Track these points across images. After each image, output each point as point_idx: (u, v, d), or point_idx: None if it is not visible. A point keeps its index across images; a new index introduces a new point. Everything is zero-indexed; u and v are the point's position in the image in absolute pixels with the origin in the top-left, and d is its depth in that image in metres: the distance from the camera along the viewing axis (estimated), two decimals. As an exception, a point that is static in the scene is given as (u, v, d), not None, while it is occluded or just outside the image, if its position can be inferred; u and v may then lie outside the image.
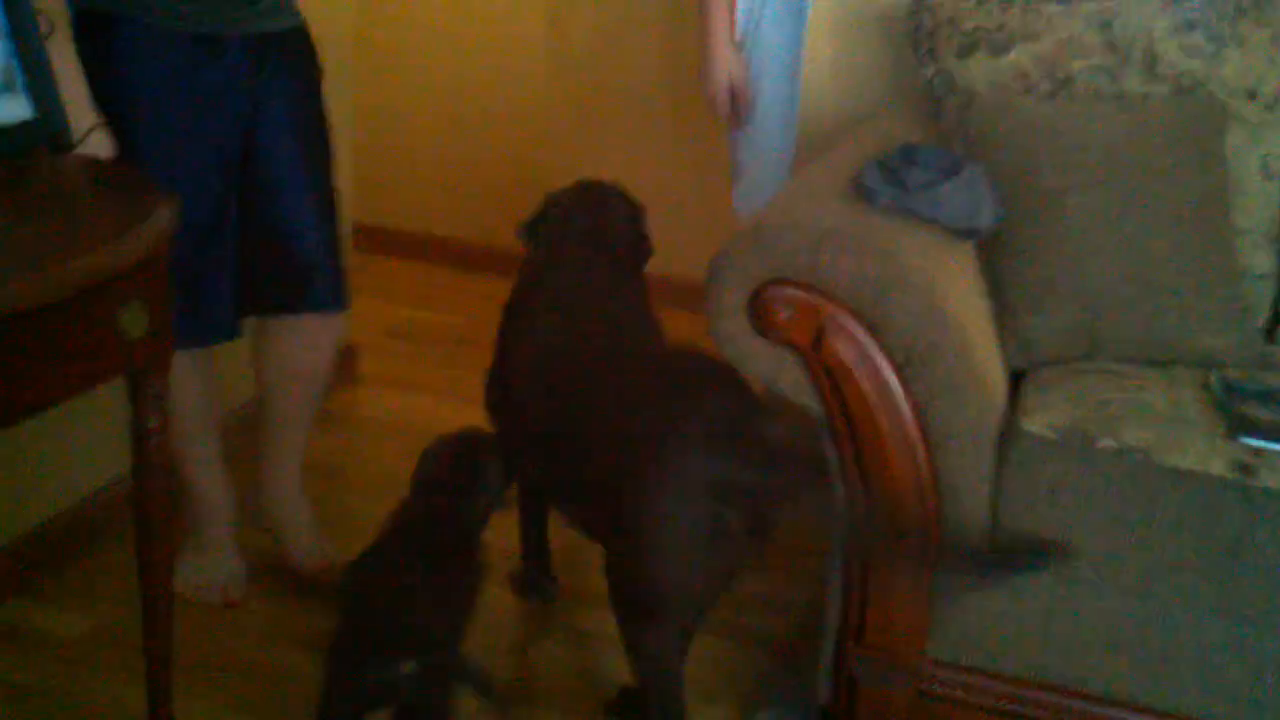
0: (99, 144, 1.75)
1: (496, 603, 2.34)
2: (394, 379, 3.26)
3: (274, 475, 2.35)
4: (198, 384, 2.17)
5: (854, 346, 1.67)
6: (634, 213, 2.19)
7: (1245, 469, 1.63)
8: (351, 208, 3.18)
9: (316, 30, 2.86)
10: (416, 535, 1.82)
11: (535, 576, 2.34)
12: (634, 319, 2.03)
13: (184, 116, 1.96)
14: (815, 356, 1.69)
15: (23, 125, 1.50)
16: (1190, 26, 2.10)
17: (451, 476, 1.85)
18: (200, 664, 2.08)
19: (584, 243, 2.10)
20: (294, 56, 2.12)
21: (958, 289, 1.76)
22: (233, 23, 1.98)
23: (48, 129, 1.53)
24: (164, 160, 1.91)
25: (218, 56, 1.97)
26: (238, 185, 2.06)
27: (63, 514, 2.31)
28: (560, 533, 2.39)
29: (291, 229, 2.11)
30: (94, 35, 1.84)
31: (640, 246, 2.18)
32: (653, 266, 2.21)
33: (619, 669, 2.01)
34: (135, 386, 1.53)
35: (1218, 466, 1.64)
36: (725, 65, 2.57)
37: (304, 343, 2.21)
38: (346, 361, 3.20)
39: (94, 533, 2.34)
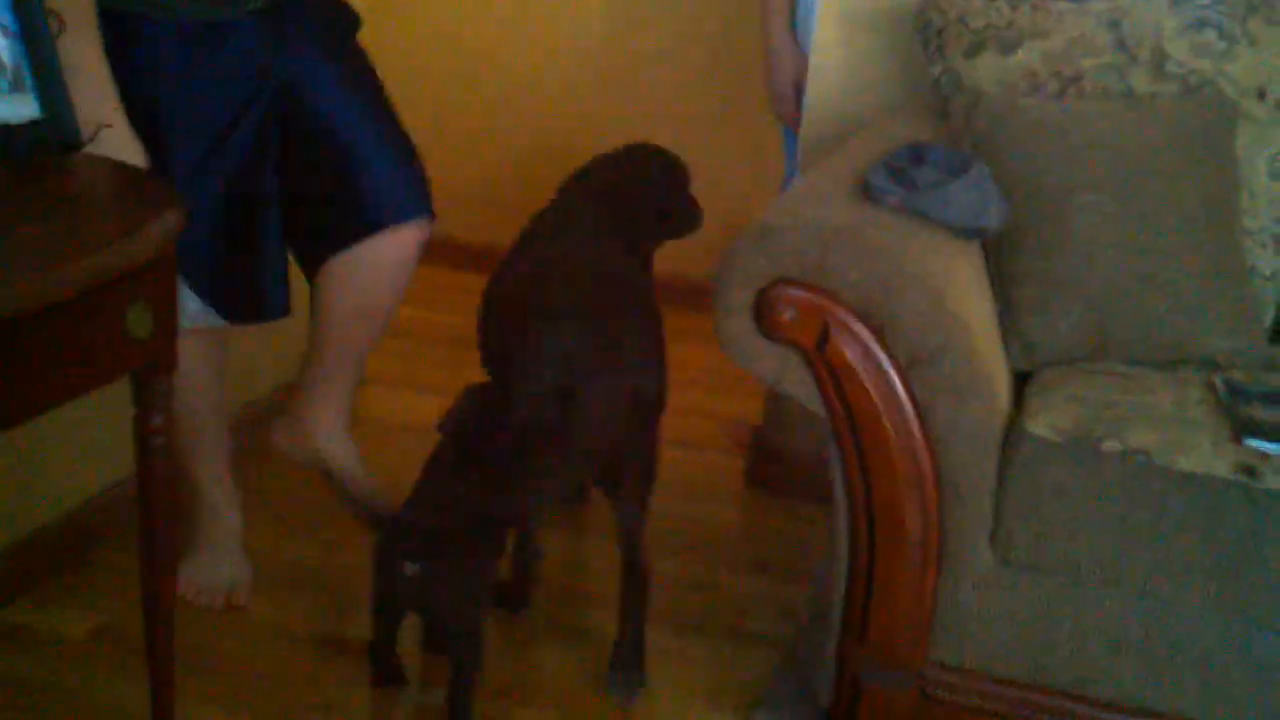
0: (109, 142, 1.73)
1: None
2: (398, 379, 3.26)
3: (324, 408, 2.23)
4: (208, 379, 2.17)
5: (858, 347, 1.67)
6: (671, 176, 2.35)
7: (1250, 471, 1.63)
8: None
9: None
10: (448, 467, 1.99)
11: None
12: (601, 260, 2.16)
13: (202, 101, 1.94)
14: (820, 357, 1.69)
15: (31, 124, 1.50)
16: (1200, 25, 2.09)
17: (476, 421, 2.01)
18: (203, 665, 2.08)
19: (588, 193, 2.26)
20: (319, 20, 2.08)
21: (963, 289, 1.75)
22: (234, 5, 1.95)
23: (56, 128, 1.53)
24: (188, 146, 1.93)
25: (224, 40, 1.95)
26: (275, 158, 2.02)
27: (66, 515, 2.32)
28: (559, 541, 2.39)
29: (357, 160, 2.05)
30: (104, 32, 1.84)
31: (673, 210, 2.34)
32: (687, 268, 2.24)
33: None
34: (139, 387, 1.53)
35: (1223, 469, 1.63)
36: (790, 66, 2.59)
37: (384, 251, 2.10)
38: (352, 360, 3.20)
39: (97, 533, 2.35)
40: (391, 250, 2.11)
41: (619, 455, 2.08)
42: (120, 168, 1.65)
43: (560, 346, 1.97)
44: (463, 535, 1.89)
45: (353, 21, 2.17)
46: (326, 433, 2.24)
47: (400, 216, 2.09)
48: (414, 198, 2.12)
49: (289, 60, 2.01)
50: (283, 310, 2.13)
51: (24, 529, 2.24)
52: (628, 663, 2.11)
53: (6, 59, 1.48)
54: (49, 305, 1.25)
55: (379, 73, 2.19)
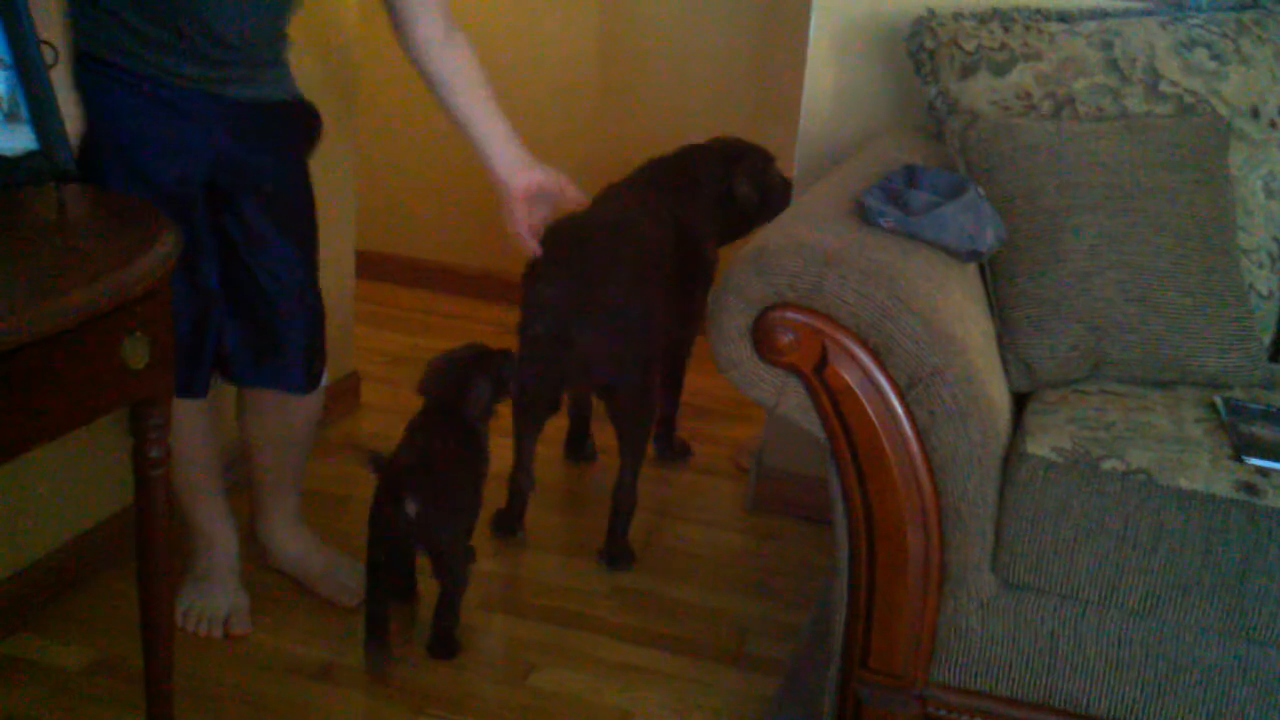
0: None
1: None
2: (396, 407, 3.25)
3: (273, 519, 2.39)
4: (204, 414, 2.18)
5: (857, 370, 1.67)
6: (756, 163, 2.85)
7: (1251, 489, 1.62)
8: (354, 235, 3.18)
9: (316, 53, 2.88)
10: (431, 422, 2.28)
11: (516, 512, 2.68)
12: (645, 218, 2.61)
13: (153, 161, 1.93)
14: (818, 380, 1.68)
15: (27, 156, 1.50)
16: (1192, 44, 2.10)
17: (449, 383, 2.31)
18: (202, 694, 2.07)
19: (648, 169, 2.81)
20: (279, 131, 2.11)
21: (960, 311, 1.75)
22: (206, 82, 1.95)
23: (51, 160, 1.53)
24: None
25: (188, 112, 1.95)
26: (215, 248, 2.05)
27: (65, 547, 2.31)
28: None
29: (266, 308, 2.12)
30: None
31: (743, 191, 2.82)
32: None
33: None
34: (137, 418, 1.53)
35: (1223, 487, 1.63)
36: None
37: (280, 415, 2.27)
38: (349, 389, 3.21)
39: (96, 565, 2.34)
40: (291, 410, 2.28)
41: (614, 396, 2.47)
42: (115, 198, 1.66)
43: (549, 298, 2.36)
44: (452, 478, 2.21)
45: (315, 132, 2.21)
46: (279, 544, 2.40)
47: (301, 389, 2.23)
48: (315, 374, 2.26)
49: (241, 159, 2.03)
50: (199, 392, 2.13)
51: (22, 561, 2.23)
52: (617, 557, 2.55)
53: (2, 90, 1.48)
54: (45, 337, 1.25)
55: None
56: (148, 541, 1.60)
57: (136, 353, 1.41)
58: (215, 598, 2.25)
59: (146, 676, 1.70)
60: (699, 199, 2.80)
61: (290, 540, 2.40)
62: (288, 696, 2.11)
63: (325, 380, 2.31)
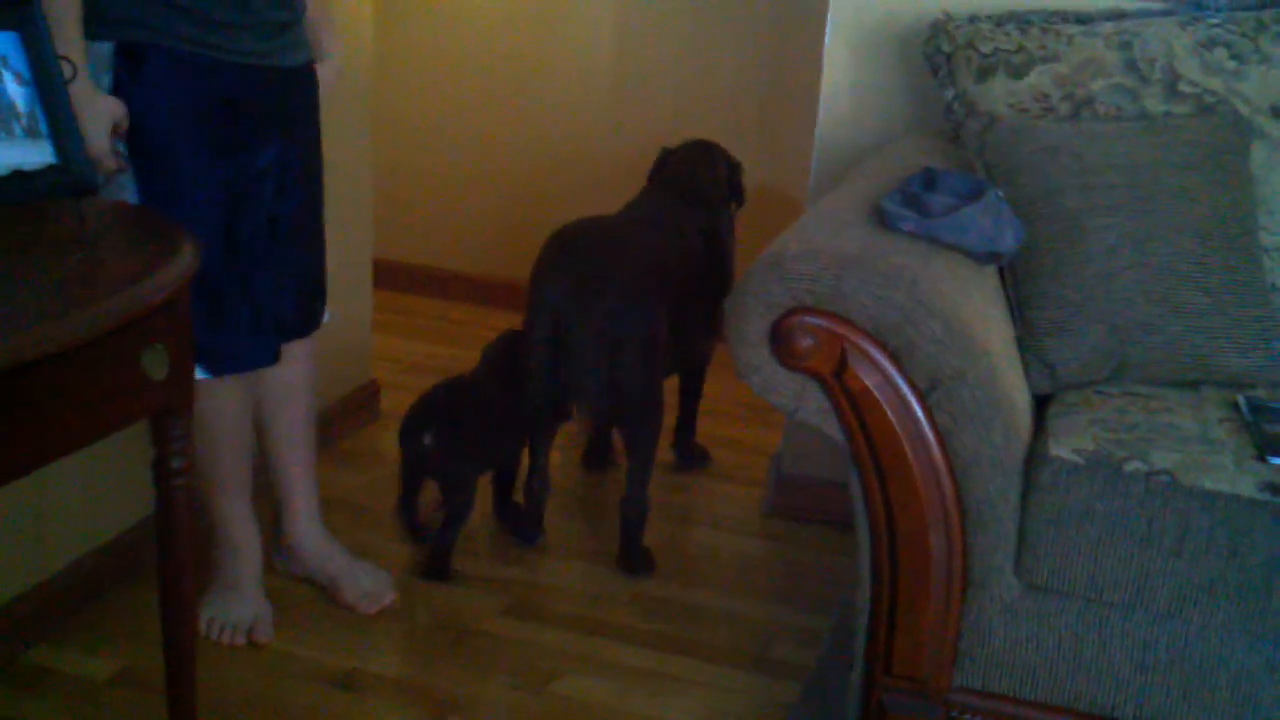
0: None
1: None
2: (416, 413, 3.26)
3: (298, 517, 2.39)
4: (236, 417, 2.21)
5: (877, 374, 1.66)
6: (732, 166, 2.92)
7: (1275, 489, 1.61)
8: (372, 244, 3.19)
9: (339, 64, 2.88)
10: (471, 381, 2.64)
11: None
12: (653, 228, 2.66)
13: (222, 141, 1.99)
14: (838, 384, 1.68)
15: (46, 170, 1.51)
16: (1211, 44, 2.09)
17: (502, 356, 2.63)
18: (225, 703, 2.08)
19: (668, 178, 2.87)
20: (308, 94, 2.18)
21: (981, 314, 1.74)
22: (264, 54, 2.01)
23: (70, 173, 1.53)
24: (205, 184, 1.98)
25: (253, 88, 2.02)
26: (271, 212, 2.12)
27: (88, 557, 2.31)
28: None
29: (305, 264, 2.23)
30: (130, 65, 1.88)
31: (732, 192, 2.91)
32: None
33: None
34: (158, 428, 1.53)
35: (1247, 488, 1.62)
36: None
37: (291, 366, 2.27)
38: (368, 398, 3.21)
39: (119, 575, 2.35)
40: (289, 367, 2.27)
41: (619, 396, 2.49)
42: (135, 211, 1.66)
43: (550, 301, 2.45)
44: (467, 427, 2.52)
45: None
46: (303, 543, 2.40)
47: (319, 324, 2.32)
48: (323, 308, 2.33)
49: (290, 123, 2.11)
50: (275, 357, 2.20)
51: (45, 571, 2.24)
52: (634, 565, 2.57)
53: (21, 106, 1.49)
54: (67, 349, 1.25)
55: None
56: (169, 552, 1.60)
57: (157, 364, 1.42)
58: (240, 607, 2.26)
59: (170, 687, 1.70)
60: (719, 205, 2.84)
61: (313, 540, 2.40)
62: (311, 704, 2.11)
63: (327, 317, 2.35)
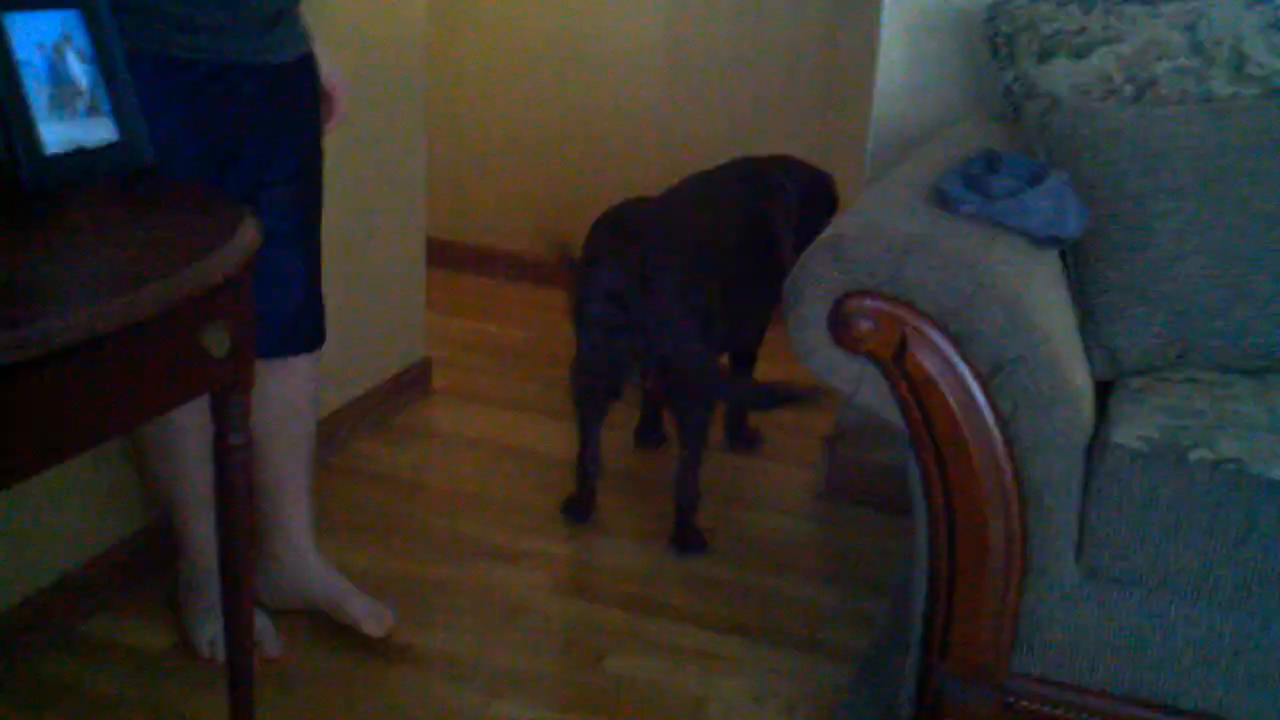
0: None
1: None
2: (467, 392, 3.28)
3: (296, 540, 2.25)
4: (205, 428, 2.08)
5: (938, 358, 1.64)
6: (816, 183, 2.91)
7: (1345, 480, 1.58)
8: (424, 223, 3.20)
9: (387, 46, 2.89)
10: None
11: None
12: (701, 208, 2.67)
13: (201, 148, 1.89)
14: (898, 368, 1.66)
15: (107, 147, 1.51)
16: (1279, 25, 2.05)
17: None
18: (278, 675, 2.10)
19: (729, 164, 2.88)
20: (302, 90, 2.06)
21: (1043, 298, 1.72)
22: (250, 52, 1.91)
23: (131, 151, 1.54)
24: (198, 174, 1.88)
25: (236, 88, 1.92)
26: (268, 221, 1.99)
27: (147, 529, 2.34)
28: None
29: (280, 278, 2.04)
30: None
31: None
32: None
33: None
34: (217, 405, 1.54)
35: (1317, 478, 1.59)
36: None
37: (292, 381, 2.17)
38: (420, 375, 3.23)
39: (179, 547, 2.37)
40: (291, 383, 2.16)
41: (671, 384, 2.52)
42: (195, 189, 1.67)
43: (606, 283, 2.42)
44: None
45: (319, 96, 2.13)
46: (308, 573, 2.26)
47: (304, 348, 2.16)
48: (316, 331, 2.18)
49: (273, 124, 1.99)
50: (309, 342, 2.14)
51: (104, 543, 2.27)
52: (686, 544, 2.58)
53: (83, 83, 1.49)
54: (127, 327, 1.26)
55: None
56: (228, 524, 1.62)
57: (218, 341, 1.42)
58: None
59: (228, 659, 1.72)
60: (780, 200, 2.81)
61: (310, 564, 2.26)
62: (365, 677, 2.12)
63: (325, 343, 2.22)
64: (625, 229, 2.51)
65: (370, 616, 2.21)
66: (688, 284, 2.46)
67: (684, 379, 2.52)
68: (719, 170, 2.85)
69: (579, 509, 2.67)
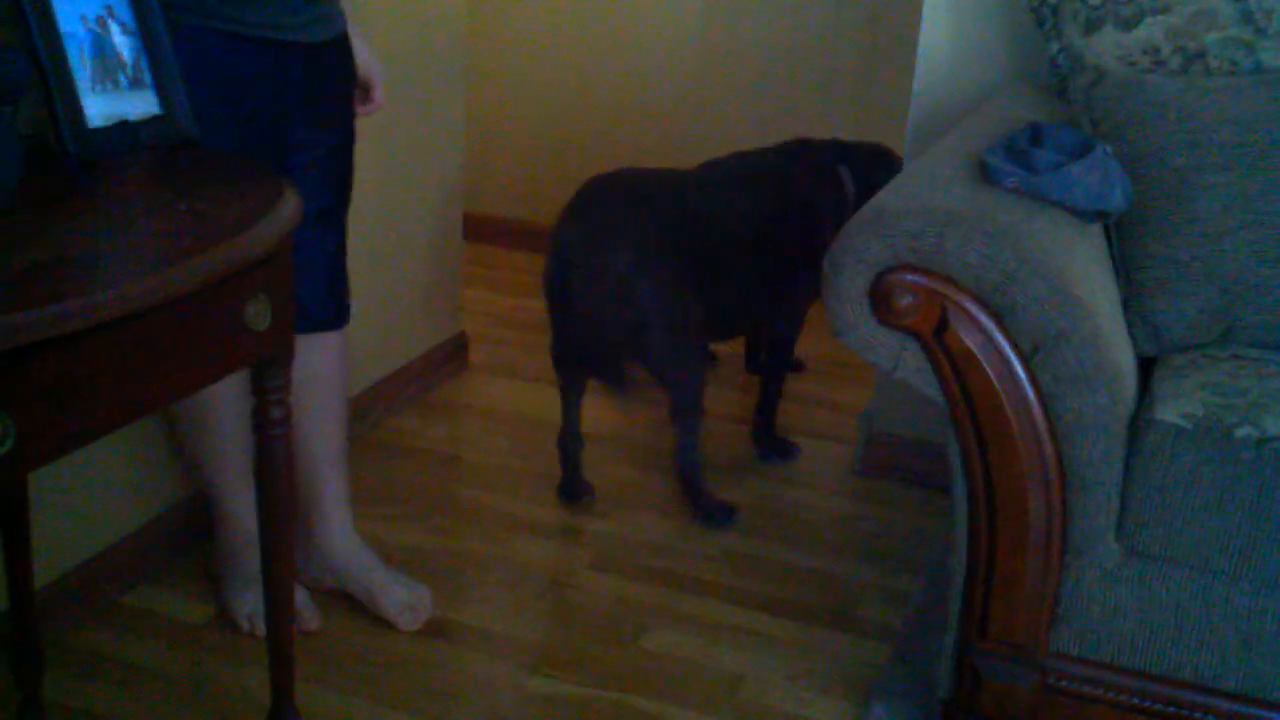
0: None
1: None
2: (503, 367, 3.28)
3: (330, 524, 2.23)
4: (240, 400, 2.03)
5: (979, 334, 1.63)
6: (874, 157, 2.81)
7: (1394, 459, 1.56)
8: (462, 198, 3.20)
9: (429, 20, 2.89)
10: None
11: None
12: (715, 188, 2.58)
13: (237, 122, 1.88)
14: (938, 344, 1.65)
15: (150, 120, 1.52)
16: (1332, -5, 2.01)
17: None
18: (319, 650, 2.11)
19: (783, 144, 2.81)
20: (338, 71, 2.05)
21: (1086, 273, 1.70)
22: (290, 29, 1.90)
23: (173, 124, 1.55)
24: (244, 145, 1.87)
25: (281, 64, 1.91)
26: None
27: (186, 501, 2.36)
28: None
29: (307, 257, 1.98)
30: None
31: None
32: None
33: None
34: (258, 379, 1.54)
35: (1364, 457, 1.57)
36: None
37: (321, 357, 2.13)
38: (457, 350, 3.23)
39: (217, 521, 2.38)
40: (320, 359, 2.12)
41: (643, 361, 2.44)
42: (237, 162, 1.67)
43: (560, 247, 2.39)
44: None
45: (354, 76, 2.12)
46: (337, 554, 2.23)
47: (327, 327, 2.13)
48: (340, 311, 2.16)
49: (313, 101, 1.98)
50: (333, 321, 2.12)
51: (146, 515, 2.29)
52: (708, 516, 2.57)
53: (127, 56, 1.50)
54: (174, 299, 1.26)
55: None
56: (269, 499, 1.62)
57: (260, 314, 1.42)
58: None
59: (268, 630, 1.72)
60: (828, 183, 2.73)
61: (346, 550, 2.24)
62: (404, 654, 2.13)
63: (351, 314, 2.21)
64: (594, 198, 2.44)
65: (404, 611, 2.19)
66: (650, 258, 2.37)
67: (654, 355, 2.44)
68: (762, 151, 2.78)
69: (569, 489, 2.63)
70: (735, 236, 2.55)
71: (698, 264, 2.45)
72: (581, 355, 2.50)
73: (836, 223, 2.63)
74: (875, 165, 2.77)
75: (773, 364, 2.87)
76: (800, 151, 2.78)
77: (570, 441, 2.62)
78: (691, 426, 2.54)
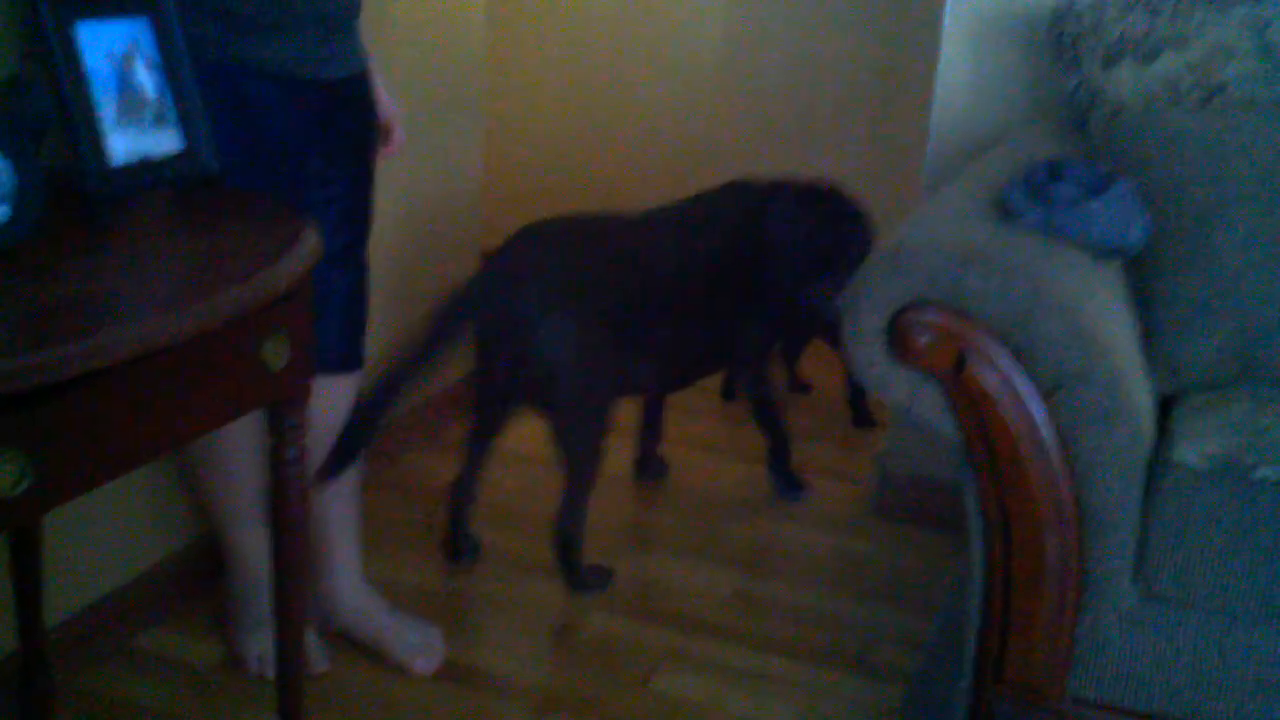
0: None
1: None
2: (516, 405, 3.27)
3: (338, 570, 2.21)
4: (253, 438, 1.95)
5: (996, 373, 1.62)
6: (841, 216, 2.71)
7: None
8: (479, 231, 3.21)
9: (450, 25, 2.89)
10: None
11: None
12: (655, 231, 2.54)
13: (267, 157, 1.88)
14: (956, 382, 1.64)
15: (173, 157, 1.52)
16: (1350, 31, 2.01)
17: None
18: (329, 693, 2.09)
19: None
20: (358, 108, 2.05)
21: (1104, 311, 1.69)
22: (313, 65, 1.90)
23: (196, 161, 1.55)
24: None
25: (299, 101, 1.90)
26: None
27: (197, 543, 2.35)
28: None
29: (321, 296, 1.89)
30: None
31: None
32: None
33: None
34: (274, 418, 1.53)
35: (1385, 499, 1.55)
36: None
37: (332, 400, 2.09)
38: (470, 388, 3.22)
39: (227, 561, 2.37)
40: (331, 402, 2.08)
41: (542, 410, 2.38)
42: (257, 199, 1.67)
43: (472, 286, 2.36)
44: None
45: (375, 117, 2.12)
46: (344, 599, 2.21)
47: (338, 368, 2.09)
48: (354, 354, 2.13)
49: (328, 140, 1.98)
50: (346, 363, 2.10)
51: (157, 556, 2.28)
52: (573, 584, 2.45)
53: (150, 92, 1.50)
54: (191, 338, 1.26)
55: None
56: (282, 539, 1.61)
57: (277, 353, 1.42)
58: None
59: (278, 675, 1.71)
60: (764, 227, 2.63)
61: (354, 597, 2.23)
62: (414, 696, 2.12)
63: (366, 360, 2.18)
64: (514, 239, 2.38)
65: (417, 655, 2.17)
66: (555, 301, 2.29)
67: (552, 405, 2.36)
68: (699, 195, 2.67)
69: (447, 545, 2.52)
70: (665, 282, 2.46)
71: (620, 311, 2.38)
72: (483, 397, 2.46)
73: (768, 265, 2.60)
74: (811, 204, 2.67)
75: (755, 412, 2.80)
76: (736, 193, 2.68)
77: (459, 492, 2.51)
78: (581, 479, 2.39)
